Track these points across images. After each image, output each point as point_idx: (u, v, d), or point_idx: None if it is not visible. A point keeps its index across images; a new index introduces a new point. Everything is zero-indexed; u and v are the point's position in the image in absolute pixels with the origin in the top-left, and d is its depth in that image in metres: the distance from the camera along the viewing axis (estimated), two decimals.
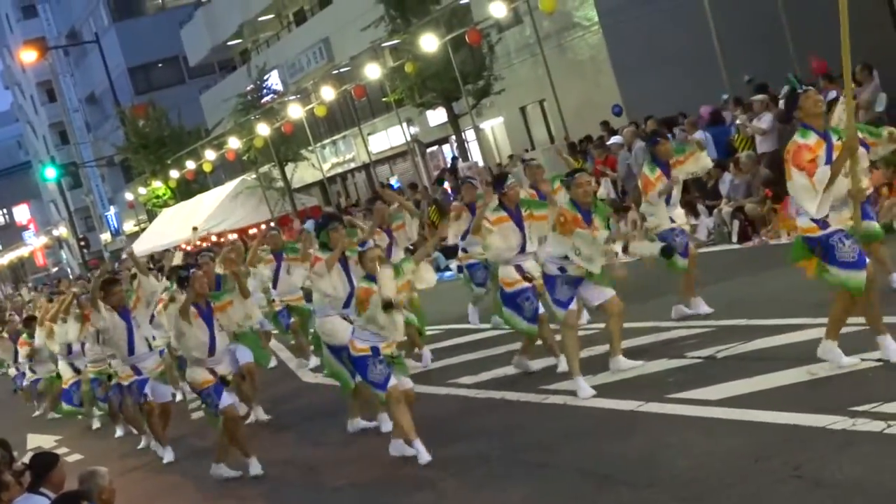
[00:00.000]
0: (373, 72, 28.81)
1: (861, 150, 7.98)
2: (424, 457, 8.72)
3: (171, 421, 12.54)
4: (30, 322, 18.12)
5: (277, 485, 9.89)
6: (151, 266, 28.92)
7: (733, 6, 22.76)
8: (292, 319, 15.12)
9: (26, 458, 9.37)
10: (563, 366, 10.17)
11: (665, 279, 11.95)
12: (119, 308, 11.98)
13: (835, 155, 7.77)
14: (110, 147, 56.20)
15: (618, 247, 10.00)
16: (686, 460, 7.15)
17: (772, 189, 15.67)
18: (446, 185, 26.52)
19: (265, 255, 15.02)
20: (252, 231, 32.61)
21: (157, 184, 47.48)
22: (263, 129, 34.31)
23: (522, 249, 10.60)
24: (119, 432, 14.83)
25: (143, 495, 11.13)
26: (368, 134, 37.10)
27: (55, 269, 79.45)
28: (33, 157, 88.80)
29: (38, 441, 16.47)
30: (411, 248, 13.58)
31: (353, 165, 42.83)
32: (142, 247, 42.92)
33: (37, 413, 19.77)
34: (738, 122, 17.92)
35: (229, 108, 39.65)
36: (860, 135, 8.07)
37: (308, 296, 13.25)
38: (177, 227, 40.44)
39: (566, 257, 9.57)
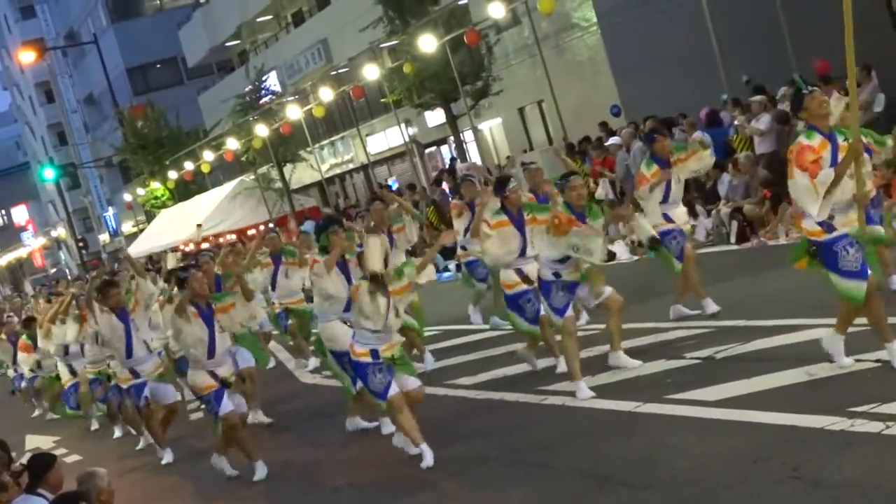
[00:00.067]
0: (371, 73, 28.82)
1: (864, 155, 7.93)
2: (428, 460, 8.69)
3: (172, 422, 12.52)
4: (29, 323, 18.07)
5: (276, 485, 9.88)
6: (150, 267, 28.96)
7: (732, 7, 22.78)
8: (290, 322, 15.13)
9: (25, 459, 9.36)
10: (562, 366, 10.19)
11: (664, 280, 11.95)
12: (117, 310, 11.94)
13: (840, 156, 7.69)
14: (109, 148, 56.17)
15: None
16: (685, 461, 7.15)
17: (770, 190, 15.68)
18: (444, 185, 26.53)
19: (263, 258, 15.02)
20: (251, 232, 32.62)
21: (155, 185, 47.46)
22: (262, 130, 34.31)
23: (523, 253, 10.56)
24: (117, 433, 14.82)
25: (142, 496, 11.12)
26: (367, 135, 37.10)
27: (53, 270, 79.46)
28: (32, 158, 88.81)
29: (37, 442, 16.47)
30: (409, 249, 13.55)
31: (351, 166, 42.83)
32: (140, 248, 42.92)
33: (35, 414, 19.77)
34: (736, 122, 17.93)
35: (228, 108, 39.63)
36: (864, 139, 8.04)
37: (310, 297, 13.25)
38: (175, 227, 40.44)
39: (561, 261, 9.56)
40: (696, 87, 22.21)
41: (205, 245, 29.27)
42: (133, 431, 13.94)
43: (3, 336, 20.53)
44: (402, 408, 8.84)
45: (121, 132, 50.57)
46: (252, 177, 38.51)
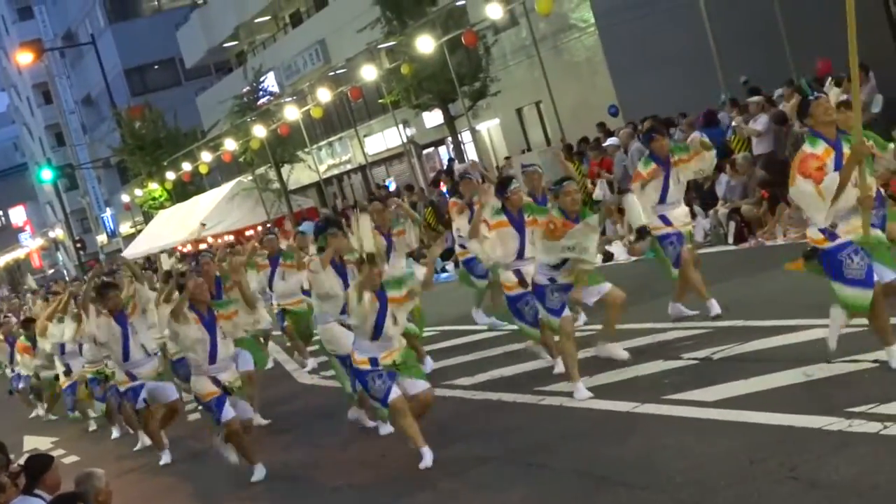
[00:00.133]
0: (369, 73, 28.83)
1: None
2: (427, 461, 8.69)
3: (174, 420, 12.50)
4: (28, 324, 18.06)
5: (275, 486, 9.88)
6: (147, 267, 28.96)
7: (729, 7, 22.80)
8: (286, 323, 15.14)
9: (23, 461, 9.37)
10: (559, 367, 10.21)
11: (661, 281, 11.94)
12: (115, 313, 11.92)
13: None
14: (106, 149, 56.14)
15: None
16: (683, 461, 7.16)
17: (768, 190, 15.70)
18: (442, 186, 26.53)
19: (260, 259, 15.03)
20: (249, 233, 32.63)
21: (153, 185, 47.45)
22: (260, 131, 34.33)
23: (521, 255, 10.52)
24: (115, 434, 14.83)
25: (140, 497, 11.12)
26: (365, 135, 37.11)
27: (51, 271, 79.48)
28: (29, 159, 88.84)
29: (35, 443, 16.46)
30: (408, 253, 13.50)
31: (349, 167, 42.85)
32: (138, 249, 42.93)
33: (33, 415, 19.76)
34: (733, 123, 17.94)
35: (225, 109, 39.66)
36: (866, 142, 7.97)
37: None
38: (173, 228, 40.45)
39: (556, 267, 9.55)
40: (694, 87, 22.22)
41: (202, 246, 29.28)
42: (131, 431, 13.94)
43: (0, 336, 20.54)
44: (405, 412, 8.80)
45: (119, 133, 50.57)
46: (250, 177, 38.52)
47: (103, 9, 62.81)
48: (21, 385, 19.73)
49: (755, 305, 10.99)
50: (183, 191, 45.19)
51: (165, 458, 12.16)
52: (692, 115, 19.17)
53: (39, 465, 7.89)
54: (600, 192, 20.19)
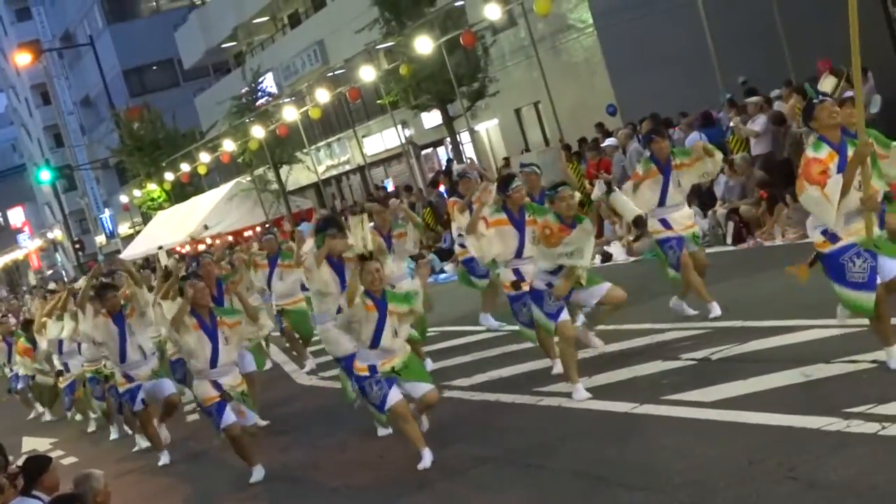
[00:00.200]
0: (367, 74, 28.84)
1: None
2: (426, 462, 8.69)
3: (172, 415, 12.48)
4: (28, 325, 18.03)
5: (274, 487, 9.88)
6: (145, 266, 28.98)
7: (728, 7, 22.78)
8: (284, 325, 15.14)
9: (21, 462, 9.36)
10: (558, 368, 10.21)
11: (660, 281, 11.95)
12: (113, 314, 11.92)
13: None
14: (105, 150, 56.17)
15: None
16: (681, 462, 7.16)
17: (766, 191, 15.70)
18: (441, 187, 26.52)
19: (259, 259, 15.04)
20: (247, 234, 32.63)
21: (151, 186, 47.46)
22: (258, 132, 34.33)
23: (519, 254, 10.50)
24: (114, 435, 14.82)
25: (139, 498, 11.12)
26: (363, 136, 37.12)
27: (50, 272, 79.39)
28: (28, 160, 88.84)
29: (34, 444, 16.47)
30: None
31: (347, 168, 42.84)
32: (136, 249, 42.93)
33: (32, 416, 19.76)
34: (732, 124, 17.94)
35: (224, 110, 39.64)
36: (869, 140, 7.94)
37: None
38: (171, 229, 40.45)
39: (554, 272, 9.55)
40: (693, 88, 22.21)
41: (201, 247, 29.29)
42: (129, 431, 13.93)
43: None
44: (406, 416, 8.80)
45: (117, 134, 50.56)
46: (248, 178, 38.52)
47: (101, 10, 62.83)
48: (20, 385, 19.72)
49: (754, 306, 10.99)
50: (181, 192, 45.18)
51: (164, 458, 12.15)
52: (691, 116, 19.16)
53: (38, 466, 7.89)
54: (598, 192, 20.16)
